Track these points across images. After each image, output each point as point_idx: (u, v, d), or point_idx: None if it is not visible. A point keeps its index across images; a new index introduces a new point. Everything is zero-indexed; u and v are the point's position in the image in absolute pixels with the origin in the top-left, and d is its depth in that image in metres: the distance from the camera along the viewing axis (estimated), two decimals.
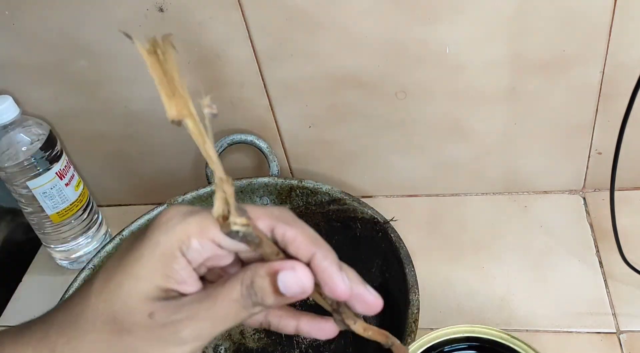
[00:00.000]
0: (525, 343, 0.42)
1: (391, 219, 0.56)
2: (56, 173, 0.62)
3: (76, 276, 0.56)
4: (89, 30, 0.58)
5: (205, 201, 0.63)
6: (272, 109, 0.63)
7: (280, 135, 0.66)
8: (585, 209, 0.64)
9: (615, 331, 0.53)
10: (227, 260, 0.30)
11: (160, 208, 0.61)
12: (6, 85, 0.64)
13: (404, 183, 0.68)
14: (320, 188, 0.60)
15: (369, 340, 0.33)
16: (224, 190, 0.26)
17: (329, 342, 0.57)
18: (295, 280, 0.28)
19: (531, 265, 0.60)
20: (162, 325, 0.27)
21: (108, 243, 0.59)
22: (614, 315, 0.54)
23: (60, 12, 0.57)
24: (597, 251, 0.60)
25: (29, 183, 0.60)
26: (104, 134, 0.68)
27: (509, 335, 0.42)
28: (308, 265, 0.28)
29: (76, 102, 0.65)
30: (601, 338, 0.53)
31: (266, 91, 0.61)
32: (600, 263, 0.58)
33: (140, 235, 0.29)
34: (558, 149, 0.62)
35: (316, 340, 0.57)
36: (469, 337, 0.43)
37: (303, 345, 0.57)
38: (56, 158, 0.62)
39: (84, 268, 0.57)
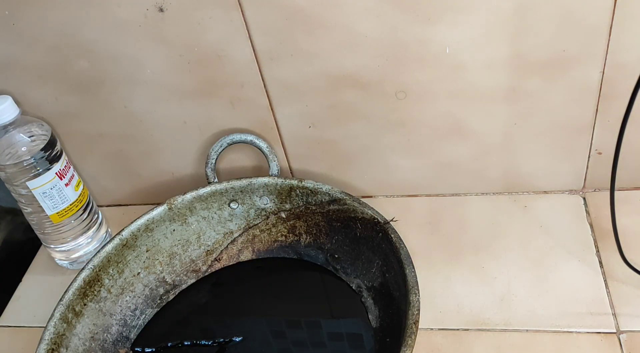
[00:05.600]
0: None
1: (391, 220, 0.56)
2: (56, 173, 0.62)
3: (76, 276, 0.56)
4: (89, 30, 0.58)
5: (205, 201, 0.63)
6: (272, 109, 0.63)
7: (280, 135, 0.66)
8: (585, 210, 0.64)
9: (615, 331, 0.53)
10: None
11: (160, 208, 0.61)
12: (6, 85, 0.64)
13: (404, 183, 0.68)
14: (320, 188, 0.60)
15: None
16: None
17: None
18: None
19: (531, 265, 0.60)
20: None
21: (108, 243, 0.59)
22: (614, 315, 0.54)
23: (60, 12, 0.57)
24: (597, 251, 0.60)
25: (28, 183, 0.60)
26: (104, 134, 0.68)
27: None
28: None
29: (76, 102, 0.65)
30: (601, 338, 0.53)
31: (266, 91, 0.61)
32: (600, 263, 0.58)
33: None
34: (558, 149, 0.62)
35: None
36: None
37: None
38: (56, 158, 0.62)
39: (84, 268, 0.57)
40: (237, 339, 0.58)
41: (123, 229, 0.60)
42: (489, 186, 0.67)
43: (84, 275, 0.57)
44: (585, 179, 0.64)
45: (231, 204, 0.64)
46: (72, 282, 0.56)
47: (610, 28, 0.51)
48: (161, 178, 0.73)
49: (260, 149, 0.65)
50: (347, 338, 0.57)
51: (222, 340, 0.58)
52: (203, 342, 0.58)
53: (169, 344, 0.59)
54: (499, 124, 0.60)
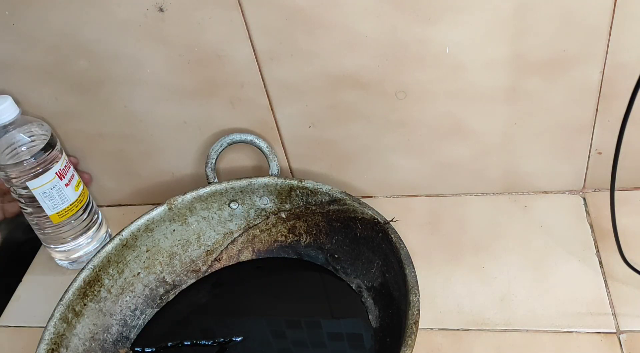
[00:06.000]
0: None
1: (391, 220, 0.56)
2: (56, 173, 0.62)
3: (76, 276, 0.56)
4: (89, 30, 0.58)
5: (205, 201, 0.63)
6: (272, 109, 0.63)
7: (280, 135, 0.66)
8: (585, 210, 0.64)
9: (615, 331, 0.53)
10: None
11: (160, 208, 0.61)
12: (6, 85, 0.64)
13: (404, 183, 0.68)
14: (320, 188, 0.60)
15: None
16: None
17: None
18: None
19: (531, 265, 0.60)
20: None
21: (108, 243, 0.59)
22: (614, 315, 0.54)
23: (60, 12, 0.57)
24: (597, 251, 0.60)
25: (28, 183, 0.60)
26: (104, 134, 0.68)
27: None
28: None
29: (76, 102, 0.65)
30: (601, 338, 0.53)
31: (266, 91, 0.61)
32: (600, 263, 0.58)
33: None
34: (558, 149, 0.62)
35: None
36: None
37: None
38: (56, 158, 0.62)
39: (84, 268, 0.57)
40: (237, 339, 0.58)
41: (123, 229, 0.60)
42: (489, 186, 0.67)
43: (84, 275, 0.57)
44: (585, 179, 0.64)
45: (231, 204, 0.64)
46: (72, 282, 0.56)
47: (610, 28, 0.51)
48: (161, 178, 0.73)
49: (260, 149, 0.65)
50: (347, 338, 0.57)
51: (222, 340, 0.58)
52: (203, 342, 0.58)
53: (169, 344, 0.59)
54: (499, 124, 0.60)
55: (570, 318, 0.55)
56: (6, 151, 0.60)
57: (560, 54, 0.53)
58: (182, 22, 0.56)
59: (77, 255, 0.68)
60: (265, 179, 0.62)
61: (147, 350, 0.59)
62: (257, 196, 0.63)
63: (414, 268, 0.51)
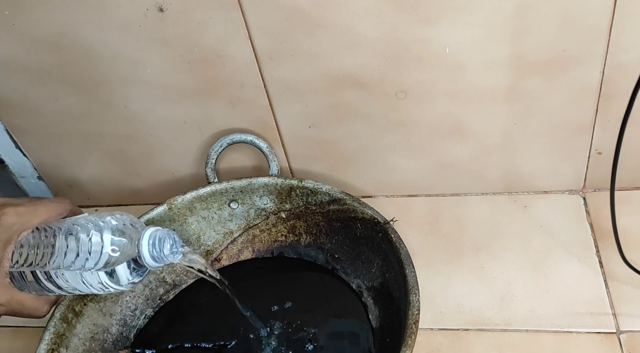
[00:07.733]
0: None
1: (391, 220, 0.56)
2: None
3: None
4: (89, 30, 0.58)
5: (205, 201, 0.63)
6: (272, 109, 0.63)
7: (280, 135, 0.66)
8: (585, 209, 0.64)
9: (615, 331, 0.53)
10: None
11: (160, 208, 0.61)
12: (6, 85, 0.64)
13: (404, 183, 0.68)
14: (320, 188, 0.60)
15: None
16: None
17: None
18: None
19: (531, 265, 0.60)
20: None
21: None
22: (614, 315, 0.54)
23: (60, 12, 0.57)
24: (597, 251, 0.60)
25: None
26: (104, 134, 0.68)
27: None
28: None
29: (76, 102, 0.65)
30: (601, 338, 0.53)
31: (266, 91, 0.61)
32: (600, 263, 0.58)
33: None
34: (558, 149, 0.62)
35: None
36: None
37: None
38: None
39: None
40: (236, 340, 0.58)
41: None
42: (489, 186, 0.67)
43: None
44: (585, 179, 0.64)
45: (231, 204, 0.64)
46: None
47: (610, 28, 0.51)
48: (161, 178, 0.73)
49: (260, 149, 0.65)
50: (347, 338, 0.57)
51: (221, 340, 0.58)
52: (203, 344, 0.58)
53: (170, 346, 0.59)
54: (499, 124, 0.60)
55: (570, 318, 0.55)
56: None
57: (560, 54, 0.53)
58: (182, 22, 0.56)
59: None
60: (265, 179, 0.62)
61: (147, 351, 0.59)
62: (257, 196, 0.63)
63: (414, 268, 0.51)
